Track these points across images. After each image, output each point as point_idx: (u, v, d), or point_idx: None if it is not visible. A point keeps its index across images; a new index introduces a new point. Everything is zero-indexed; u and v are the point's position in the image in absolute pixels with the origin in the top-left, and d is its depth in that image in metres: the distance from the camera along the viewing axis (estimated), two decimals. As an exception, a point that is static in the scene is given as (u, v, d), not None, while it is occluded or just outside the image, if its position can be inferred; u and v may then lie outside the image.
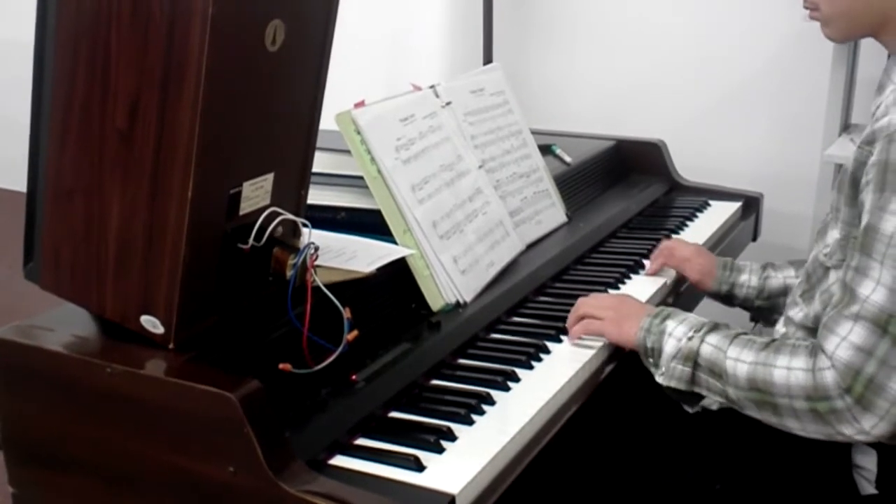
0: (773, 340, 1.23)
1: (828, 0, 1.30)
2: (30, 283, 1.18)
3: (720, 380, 1.23)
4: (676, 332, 1.28)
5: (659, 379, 1.30)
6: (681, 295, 1.71)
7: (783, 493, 1.33)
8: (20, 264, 1.18)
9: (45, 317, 1.17)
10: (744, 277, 1.63)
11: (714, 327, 1.27)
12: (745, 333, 1.26)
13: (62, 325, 1.15)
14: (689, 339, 1.26)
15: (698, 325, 1.28)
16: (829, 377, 1.13)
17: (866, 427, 1.12)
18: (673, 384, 1.28)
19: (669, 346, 1.28)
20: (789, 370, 1.16)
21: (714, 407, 1.34)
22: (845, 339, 1.13)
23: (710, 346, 1.24)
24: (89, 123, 1.07)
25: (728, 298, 1.66)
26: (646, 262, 1.75)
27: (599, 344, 1.39)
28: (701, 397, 1.30)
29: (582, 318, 1.39)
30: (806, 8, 1.36)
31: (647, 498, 1.38)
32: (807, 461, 1.31)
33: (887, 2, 1.26)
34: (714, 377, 1.24)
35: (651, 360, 1.31)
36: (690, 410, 1.34)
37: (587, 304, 1.41)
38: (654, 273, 1.69)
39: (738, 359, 1.21)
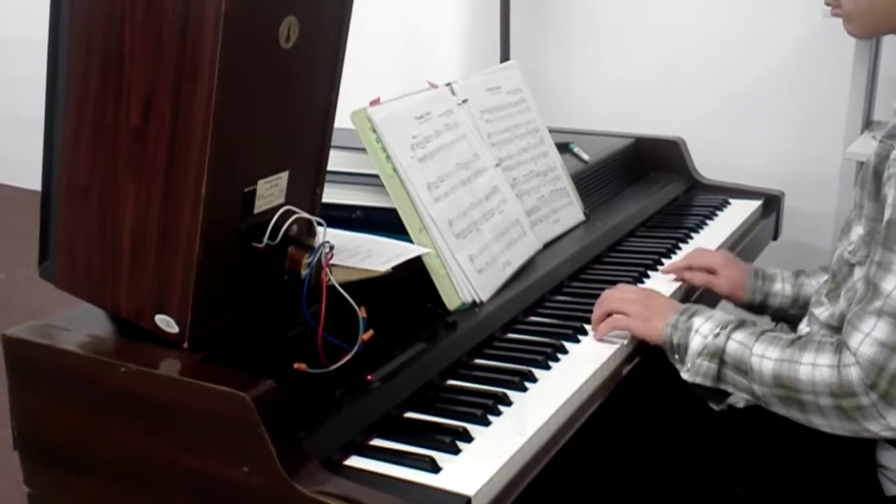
0: (799, 337, 1.22)
1: None
2: (46, 282, 1.18)
3: (746, 376, 1.23)
4: (703, 328, 1.28)
5: (684, 375, 1.29)
6: (703, 293, 1.69)
7: (806, 493, 1.31)
8: (36, 263, 1.18)
9: (60, 316, 1.17)
10: (777, 286, 1.59)
11: (740, 324, 1.27)
12: (772, 330, 1.25)
13: (77, 324, 1.15)
14: (716, 335, 1.26)
15: (725, 322, 1.28)
16: (853, 374, 1.12)
17: (892, 423, 1.11)
18: (699, 381, 1.28)
19: (696, 343, 1.27)
20: (814, 367, 1.16)
21: (740, 405, 1.33)
22: (869, 336, 1.12)
23: (737, 343, 1.24)
24: (103, 121, 1.07)
25: (761, 308, 1.62)
26: (665, 261, 1.73)
27: (617, 345, 1.38)
28: (727, 394, 1.29)
29: (608, 314, 1.38)
30: (827, 5, 1.34)
31: (666, 499, 1.36)
32: (831, 461, 1.29)
33: None
34: (740, 374, 1.23)
35: (677, 356, 1.30)
36: (716, 408, 1.33)
37: (613, 297, 1.41)
38: (670, 272, 1.66)
39: (764, 355, 1.20)
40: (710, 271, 1.63)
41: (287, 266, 1.18)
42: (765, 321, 1.63)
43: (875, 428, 1.13)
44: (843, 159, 2.19)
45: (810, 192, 2.46)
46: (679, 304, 1.38)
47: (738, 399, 1.30)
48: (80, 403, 1.10)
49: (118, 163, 1.07)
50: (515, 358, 1.33)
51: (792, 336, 1.23)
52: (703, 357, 1.26)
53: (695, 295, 1.65)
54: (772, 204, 2.17)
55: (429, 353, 1.26)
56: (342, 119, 1.28)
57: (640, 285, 1.62)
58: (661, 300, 1.40)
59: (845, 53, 2.20)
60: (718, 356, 1.25)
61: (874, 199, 1.24)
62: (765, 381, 1.20)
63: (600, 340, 1.39)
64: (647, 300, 1.39)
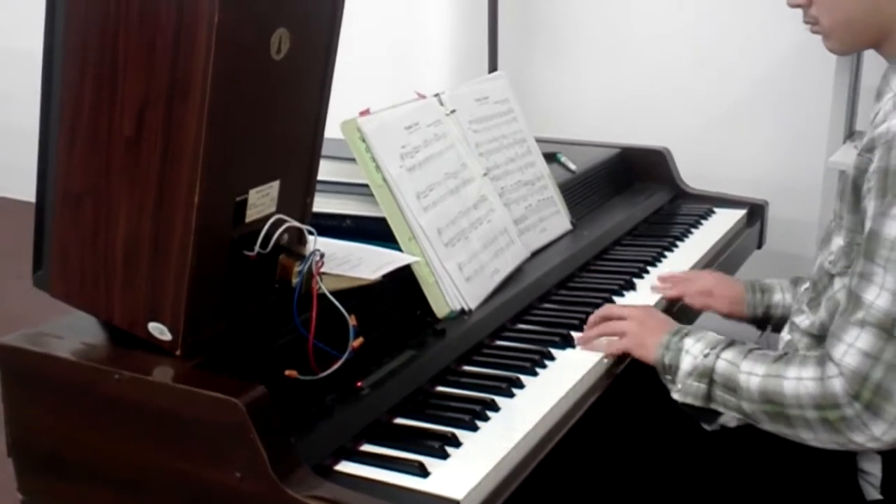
0: (786, 353, 1.23)
1: (827, 14, 1.30)
2: (39, 290, 1.19)
3: (734, 394, 1.24)
4: (693, 349, 1.29)
5: (675, 395, 1.30)
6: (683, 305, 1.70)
7: (788, 495, 1.33)
8: (30, 273, 1.19)
9: (53, 324, 1.18)
10: (777, 297, 1.58)
11: (730, 344, 1.28)
12: (760, 348, 1.27)
13: (71, 332, 1.16)
14: (706, 356, 1.27)
15: (715, 342, 1.29)
16: (837, 385, 1.13)
17: (877, 433, 1.12)
18: (689, 400, 1.29)
19: (686, 363, 1.29)
20: (799, 380, 1.17)
21: (732, 424, 1.34)
22: (852, 346, 1.13)
23: (725, 362, 1.25)
24: (97, 131, 1.08)
25: (764, 321, 1.61)
26: (651, 269, 1.75)
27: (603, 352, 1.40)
28: (718, 414, 1.30)
29: (606, 318, 1.41)
30: (806, 22, 1.36)
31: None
32: (812, 466, 1.31)
33: (886, 15, 1.26)
34: (729, 392, 1.25)
35: (668, 376, 1.32)
36: (708, 428, 1.34)
37: (614, 311, 1.43)
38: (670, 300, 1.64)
39: (752, 372, 1.22)
40: (706, 293, 1.63)
41: (278, 274, 1.19)
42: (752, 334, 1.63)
43: (860, 439, 1.14)
44: (826, 169, 2.21)
45: (794, 201, 2.49)
46: (674, 322, 1.39)
47: (730, 419, 1.32)
48: (74, 411, 1.11)
49: (112, 172, 1.09)
50: (503, 364, 1.34)
51: (779, 353, 1.24)
52: (693, 377, 1.28)
53: (676, 306, 1.65)
54: (756, 213, 2.19)
55: (418, 360, 1.28)
56: (332, 129, 1.30)
57: (626, 294, 1.64)
58: (658, 320, 1.40)
59: (828, 65, 2.23)
60: (708, 376, 1.26)
61: (853, 210, 1.25)
62: (753, 397, 1.21)
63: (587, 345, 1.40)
64: (646, 319, 1.39)
